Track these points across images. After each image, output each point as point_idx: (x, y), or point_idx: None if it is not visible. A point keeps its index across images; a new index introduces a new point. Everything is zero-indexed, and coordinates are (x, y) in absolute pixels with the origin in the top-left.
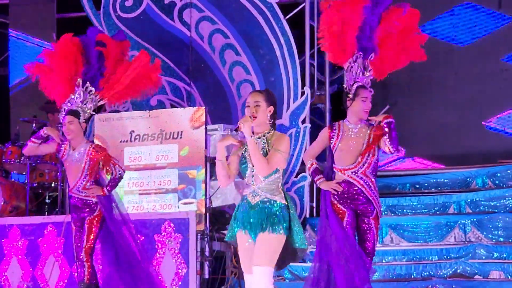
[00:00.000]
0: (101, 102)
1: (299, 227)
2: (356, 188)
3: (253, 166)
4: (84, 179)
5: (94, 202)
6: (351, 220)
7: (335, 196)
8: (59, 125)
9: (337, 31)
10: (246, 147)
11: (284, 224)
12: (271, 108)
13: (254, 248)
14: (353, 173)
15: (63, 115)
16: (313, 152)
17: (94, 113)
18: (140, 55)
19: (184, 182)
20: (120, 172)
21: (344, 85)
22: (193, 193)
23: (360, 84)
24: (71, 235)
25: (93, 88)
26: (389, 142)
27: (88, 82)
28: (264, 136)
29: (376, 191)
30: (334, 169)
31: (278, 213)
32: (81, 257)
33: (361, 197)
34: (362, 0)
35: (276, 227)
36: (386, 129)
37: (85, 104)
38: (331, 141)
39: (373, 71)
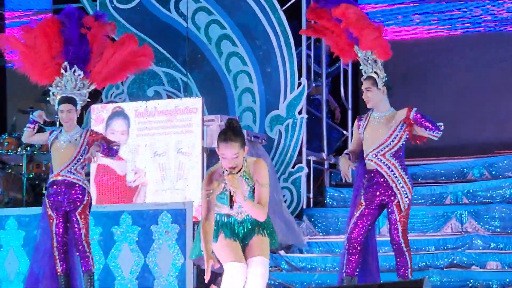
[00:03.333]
0: (92, 87)
1: (273, 230)
2: (378, 176)
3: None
4: (78, 160)
5: (82, 188)
6: (369, 212)
7: (363, 187)
8: (56, 116)
9: (329, 34)
10: (223, 182)
11: (268, 231)
12: (246, 147)
13: (251, 246)
14: (374, 156)
15: (58, 102)
16: (352, 149)
17: (89, 100)
18: (127, 40)
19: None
20: (117, 148)
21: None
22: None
23: (363, 75)
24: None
25: (81, 72)
26: (429, 131)
27: (75, 66)
28: (243, 171)
29: (402, 177)
30: (363, 160)
31: (263, 222)
32: (84, 248)
33: (383, 184)
34: None
35: (265, 231)
36: (416, 125)
37: (78, 91)
38: (359, 131)
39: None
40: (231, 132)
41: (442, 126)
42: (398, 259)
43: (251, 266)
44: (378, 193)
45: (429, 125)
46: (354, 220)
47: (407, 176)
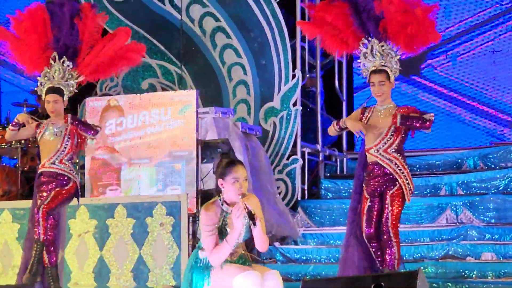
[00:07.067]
0: (80, 79)
1: None
2: (377, 168)
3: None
4: (63, 152)
5: (67, 177)
6: (374, 204)
7: (365, 181)
8: None
9: (330, 29)
10: (224, 218)
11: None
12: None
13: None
14: (376, 151)
15: (45, 92)
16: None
17: (77, 91)
18: (120, 32)
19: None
20: (98, 129)
21: (361, 73)
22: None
23: (373, 69)
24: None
25: (70, 63)
26: (418, 129)
27: (64, 57)
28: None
29: (405, 168)
30: (365, 152)
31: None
32: (37, 217)
33: (383, 175)
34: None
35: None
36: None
37: (66, 81)
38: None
39: (401, 49)
40: (234, 159)
41: (433, 116)
42: (386, 250)
43: (268, 280)
44: (377, 184)
45: (417, 125)
46: (366, 216)
47: (408, 169)
